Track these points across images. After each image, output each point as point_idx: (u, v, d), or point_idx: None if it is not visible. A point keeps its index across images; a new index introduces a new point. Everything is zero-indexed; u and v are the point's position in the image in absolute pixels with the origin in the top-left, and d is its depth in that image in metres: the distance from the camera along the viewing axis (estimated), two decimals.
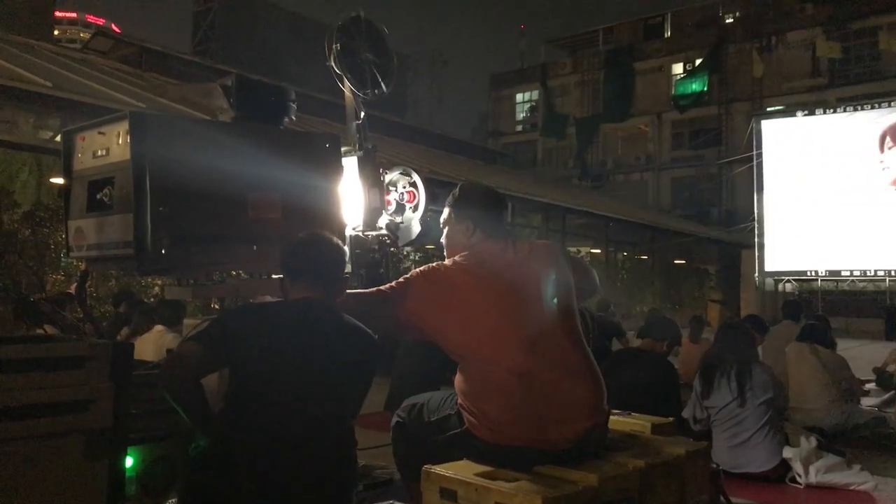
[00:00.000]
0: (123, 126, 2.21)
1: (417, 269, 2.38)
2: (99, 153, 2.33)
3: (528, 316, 2.26)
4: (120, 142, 2.23)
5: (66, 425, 1.55)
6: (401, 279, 2.35)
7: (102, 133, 2.32)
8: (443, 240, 2.53)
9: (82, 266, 2.67)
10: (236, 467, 1.87)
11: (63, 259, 8.10)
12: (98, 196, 2.32)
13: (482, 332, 2.24)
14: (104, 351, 1.68)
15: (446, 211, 2.52)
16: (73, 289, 6.61)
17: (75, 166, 2.47)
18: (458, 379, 2.32)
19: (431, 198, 3.08)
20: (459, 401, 2.30)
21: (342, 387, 2.07)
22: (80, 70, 11.60)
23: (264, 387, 1.94)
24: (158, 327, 4.84)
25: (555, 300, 2.33)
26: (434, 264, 2.38)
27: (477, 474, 2.11)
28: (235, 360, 1.95)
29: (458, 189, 2.56)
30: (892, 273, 17.99)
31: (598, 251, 19.57)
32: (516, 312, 2.26)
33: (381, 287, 2.34)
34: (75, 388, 1.57)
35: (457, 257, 2.38)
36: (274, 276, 2.41)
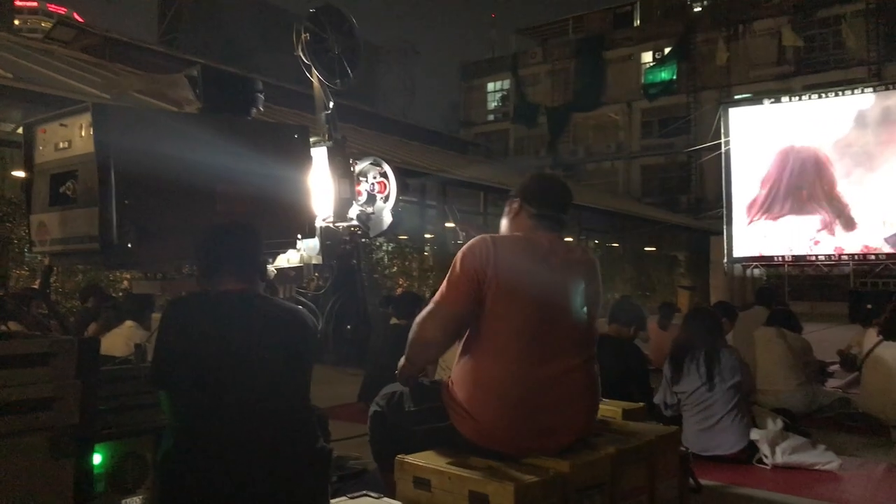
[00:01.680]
0: (86, 118, 2.17)
1: (461, 253, 2.26)
2: (61, 146, 2.29)
3: (550, 330, 2.20)
4: (83, 134, 2.19)
5: (31, 423, 1.52)
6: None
7: (64, 125, 2.27)
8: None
9: (46, 261, 2.62)
10: (205, 468, 1.85)
11: (26, 254, 7.93)
12: (61, 189, 2.27)
13: (498, 333, 2.17)
14: (69, 347, 1.65)
15: (506, 205, 2.46)
16: (37, 284, 6.49)
17: (37, 159, 2.41)
18: (455, 374, 2.27)
19: (403, 187, 3.07)
20: (447, 396, 2.26)
21: (298, 373, 2.05)
22: (42, 60, 11.33)
23: (222, 388, 1.91)
24: (129, 323, 4.78)
25: (581, 316, 2.27)
26: (473, 242, 2.25)
27: (450, 463, 2.12)
28: (189, 373, 1.92)
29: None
30: (856, 257, 18.42)
31: (570, 239, 19.68)
32: (541, 325, 2.19)
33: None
34: (39, 386, 1.54)
35: (497, 237, 2.29)
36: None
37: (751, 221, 19.35)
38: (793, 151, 18.96)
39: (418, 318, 2.29)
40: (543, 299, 2.21)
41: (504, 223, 2.43)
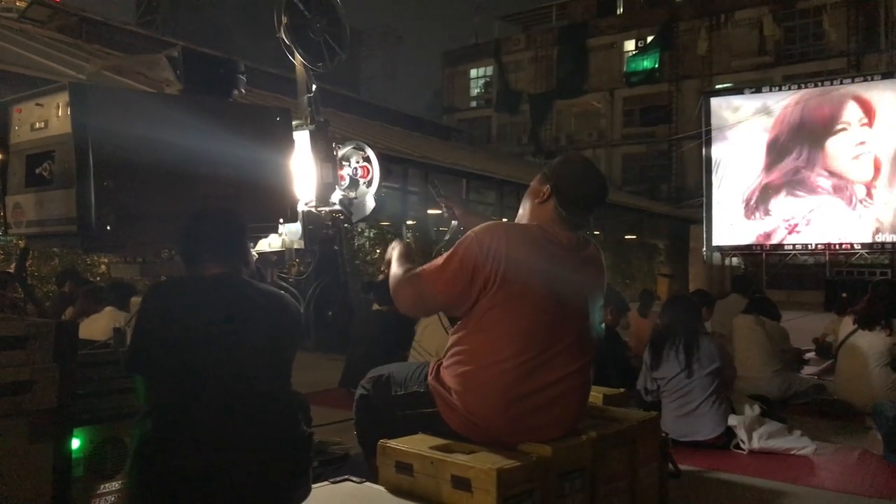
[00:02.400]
0: (63, 97, 2.12)
1: (474, 233, 2.15)
2: (37, 126, 2.24)
3: (557, 333, 2.15)
4: (59, 114, 2.14)
5: (8, 407, 1.50)
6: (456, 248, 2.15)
7: (40, 105, 2.22)
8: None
9: (22, 243, 2.57)
10: (184, 453, 1.84)
11: (1, 237, 7.81)
12: (37, 170, 2.22)
13: (503, 330, 2.11)
14: (47, 331, 1.63)
15: (537, 178, 2.32)
16: (12, 268, 6.39)
17: (12, 139, 2.36)
18: (448, 363, 2.21)
19: (385, 173, 3.04)
20: (435, 382, 2.22)
21: (280, 359, 2.04)
22: (17, 40, 11.10)
23: (202, 373, 1.89)
24: (109, 308, 4.74)
25: (587, 318, 2.25)
26: (486, 231, 2.14)
27: (433, 448, 2.13)
28: (169, 357, 1.90)
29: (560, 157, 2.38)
30: (832, 247, 18.70)
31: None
32: (549, 327, 2.14)
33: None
34: (16, 370, 1.52)
35: (513, 229, 2.20)
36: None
37: (750, 215, 19.44)
38: (781, 138, 19.11)
39: (403, 277, 2.22)
40: (554, 301, 2.14)
41: (527, 206, 2.31)
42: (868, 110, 18.22)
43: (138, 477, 1.89)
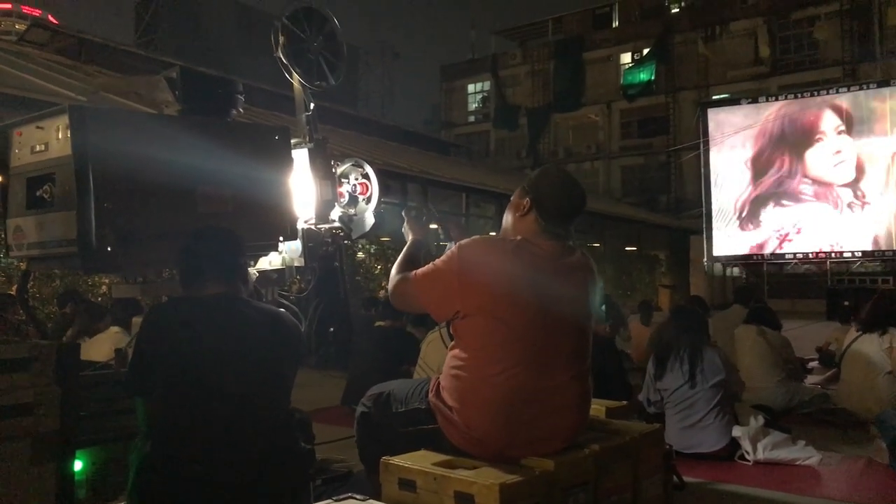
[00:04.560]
0: (63, 120, 2.14)
1: (457, 248, 2.20)
2: (38, 148, 2.26)
3: (550, 342, 2.16)
4: (60, 136, 2.16)
5: (11, 429, 1.50)
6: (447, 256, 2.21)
7: (41, 127, 2.24)
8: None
9: (23, 265, 2.58)
10: (185, 472, 1.84)
11: (2, 259, 7.81)
12: (38, 193, 2.24)
13: (496, 342, 2.13)
14: (49, 352, 1.63)
15: (517, 192, 2.35)
16: (14, 290, 6.39)
17: (12, 162, 2.38)
18: (446, 378, 2.22)
19: (384, 189, 3.06)
20: (435, 399, 2.23)
21: (279, 377, 2.04)
22: (17, 63, 11.17)
23: (202, 392, 1.90)
24: (114, 328, 4.73)
25: (579, 326, 2.26)
26: (469, 246, 2.19)
27: (435, 464, 2.12)
28: (168, 378, 1.90)
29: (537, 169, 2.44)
30: (833, 255, 18.68)
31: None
32: (541, 336, 2.15)
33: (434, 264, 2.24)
34: (19, 392, 1.52)
35: (496, 244, 2.25)
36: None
37: (741, 223, 19.50)
38: (777, 149, 19.21)
39: (401, 274, 2.33)
40: (544, 311, 2.16)
41: (509, 219, 2.35)
42: (845, 118, 18.30)
43: (139, 498, 1.89)
